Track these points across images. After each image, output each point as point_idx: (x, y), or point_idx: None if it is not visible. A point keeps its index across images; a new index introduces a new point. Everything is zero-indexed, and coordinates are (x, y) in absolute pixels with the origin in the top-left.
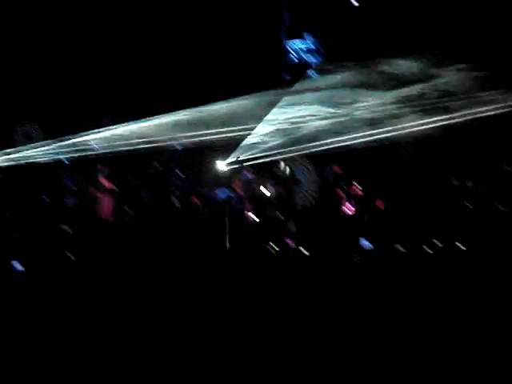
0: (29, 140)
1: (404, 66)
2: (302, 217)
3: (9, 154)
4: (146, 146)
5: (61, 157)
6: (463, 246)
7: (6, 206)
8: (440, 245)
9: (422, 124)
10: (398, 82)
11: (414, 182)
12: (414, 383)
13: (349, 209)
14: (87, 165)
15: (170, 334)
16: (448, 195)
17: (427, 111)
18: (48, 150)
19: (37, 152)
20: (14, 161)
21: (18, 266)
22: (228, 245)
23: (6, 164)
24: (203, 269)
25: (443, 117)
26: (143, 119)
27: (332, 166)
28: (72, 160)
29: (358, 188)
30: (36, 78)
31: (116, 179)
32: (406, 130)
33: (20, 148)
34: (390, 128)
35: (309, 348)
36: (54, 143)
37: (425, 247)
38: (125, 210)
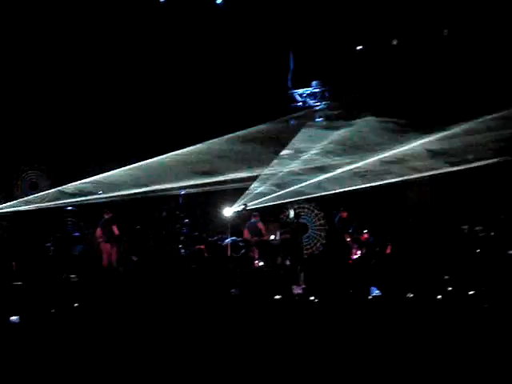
0: (34, 188)
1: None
2: (309, 262)
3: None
4: (151, 191)
5: (66, 203)
6: (472, 290)
7: (11, 253)
8: (449, 289)
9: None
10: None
11: (423, 226)
12: None
13: (356, 253)
14: (92, 211)
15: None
16: (457, 240)
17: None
18: (53, 196)
19: (41, 199)
20: (19, 207)
21: (15, 320)
22: (233, 290)
23: (11, 210)
24: (208, 315)
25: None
26: (144, 162)
27: (339, 211)
28: (76, 206)
29: (364, 233)
30: (38, 127)
31: (122, 226)
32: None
33: (25, 195)
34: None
35: None
36: (59, 190)
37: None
38: (130, 258)
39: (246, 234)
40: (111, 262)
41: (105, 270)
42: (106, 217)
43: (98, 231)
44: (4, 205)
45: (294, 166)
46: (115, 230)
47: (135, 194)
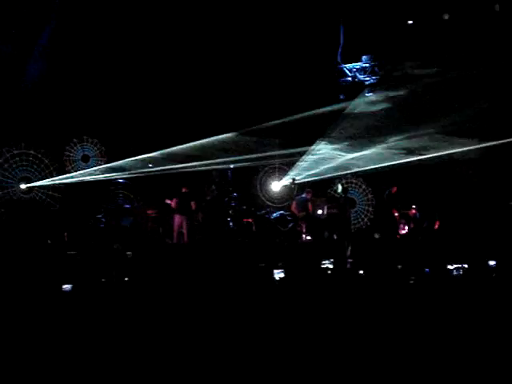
0: (86, 161)
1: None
2: (356, 237)
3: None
4: (201, 166)
5: (117, 176)
6: None
7: (63, 224)
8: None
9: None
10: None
11: (471, 202)
12: None
13: (403, 229)
14: (142, 184)
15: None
16: (505, 216)
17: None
18: (105, 169)
19: (94, 171)
20: (71, 179)
21: (68, 288)
22: (281, 263)
23: (63, 182)
24: (256, 289)
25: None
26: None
27: (388, 186)
28: (127, 178)
29: (412, 208)
30: (90, 100)
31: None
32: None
33: (77, 168)
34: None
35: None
36: (111, 163)
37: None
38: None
39: (294, 208)
40: (182, 234)
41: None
42: (184, 191)
43: (173, 203)
44: (56, 177)
45: (340, 142)
46: (193, 205)
47: (185, 167)
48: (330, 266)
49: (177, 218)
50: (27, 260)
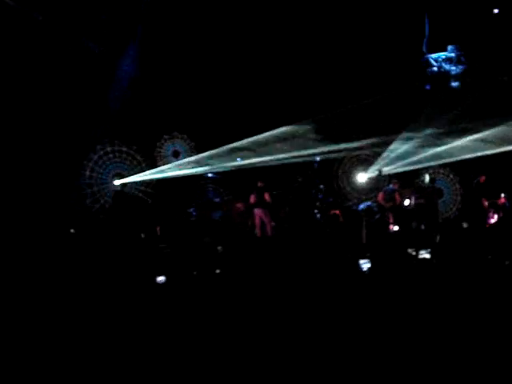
0: (176, 156)
1: None
2: (444, 226)
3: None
4: (287, 159)
5: (207, 170)
6: None
7: (155, 218)
8: None
9: None
10: None
11: None
12: None
13: (493, 218)
14: (231, 177)
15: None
16: None
17: None
18: (194, 163)
19: (184, 166)
20: (162, 175)
21: (162, 279)
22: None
23: (155, 178)
24: (343, 280)
25: None
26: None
27: (476, 175)
28: (217, 172)
29: (502, 197)
30: (180, 96)
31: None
32: None
33: (168, 163)
34: None
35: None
36: (200, 157)
37: None
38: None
39: (381, 199)
40: (264, 227)
41: (246, 236)
42: (260, 185)
43: (252, 198)
44: (148, 172)
45: (427, 132)
46: (267, 197)
47: (271, 160)
48: (427, 256)
49: (257, 213)
50: (122, 253)
